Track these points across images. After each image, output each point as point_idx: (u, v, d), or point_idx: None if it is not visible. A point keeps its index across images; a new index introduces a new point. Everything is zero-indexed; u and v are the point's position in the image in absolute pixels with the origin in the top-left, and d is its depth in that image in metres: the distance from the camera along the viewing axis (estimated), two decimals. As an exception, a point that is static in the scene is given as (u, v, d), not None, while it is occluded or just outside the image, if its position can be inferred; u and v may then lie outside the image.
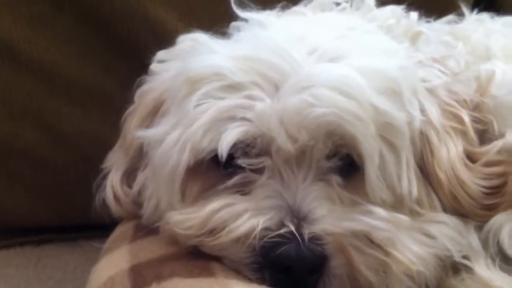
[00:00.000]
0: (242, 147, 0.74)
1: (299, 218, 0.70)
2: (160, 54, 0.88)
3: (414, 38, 0.88)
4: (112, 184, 0.86)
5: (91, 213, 0.86)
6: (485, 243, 0.75)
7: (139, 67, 0.92)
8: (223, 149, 0.72)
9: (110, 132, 0.94)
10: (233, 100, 0.74)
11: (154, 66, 0.88)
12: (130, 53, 1.07)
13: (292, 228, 0.69)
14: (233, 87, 0.74)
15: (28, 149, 1.08)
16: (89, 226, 1.04)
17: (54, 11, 1.05)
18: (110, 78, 1.09)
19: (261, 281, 0.69)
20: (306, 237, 0.69)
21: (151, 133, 0.80)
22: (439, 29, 0.94)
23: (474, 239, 0.75)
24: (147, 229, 0.79)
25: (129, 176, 0.87)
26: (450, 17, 0.98)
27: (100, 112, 1.08)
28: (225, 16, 0.87)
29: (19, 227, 1.14)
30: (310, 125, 0.72)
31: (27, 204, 1.11)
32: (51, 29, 1.06)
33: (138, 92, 0.88)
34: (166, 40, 0.92)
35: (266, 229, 0.69)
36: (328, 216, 0.71)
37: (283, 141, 0.72)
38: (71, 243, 1.11)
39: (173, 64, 0.85)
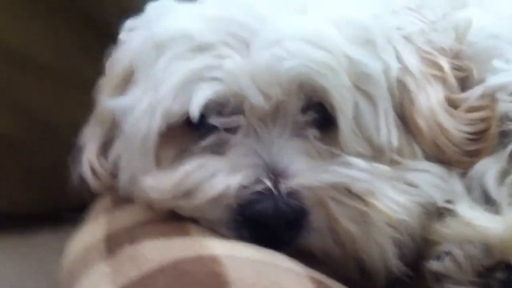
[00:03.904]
0: (215, 107, 0.72)
1: (276, 174, 0.68)
2: (128, 23, 0.86)
3: (388, -11, 0.86)
4: (89, 158, 0.85)
5: (70, 198, 0.84)
6: (469, 189, 0.73)
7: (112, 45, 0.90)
8: (195, 110, 0.71)
9: (87, 114, 0.92)
10: (202, 61, 0.72)
11: (122, 35, 0.86)
12: (103, 33, 1.05)
13: (269, 184, 0.67)
14: (201, 48, 0.73)
15: (3, 135, 1.07)
16: (72, 211, 1.01)
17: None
18: (84, 59, 1.07)
19: (239, 239, 0.68)
20: (283, 192, 0.67)
21: (122, 101, 0.79)
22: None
23: (457, 184, 0.73)
24: (124, 200, 0.78)
25: (106, 148, 0.85)
26: (426, -31, 0.96)
27: (76, 95, 1.06)
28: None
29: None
30: (281, 79, 0.70)
31: (5, 192, 1.09)
32: (22, 12, 1.04)
33: (108, 63, 0.86)
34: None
35: (242, 187, 0.68)
36: (306, 170, 0.69)
37: (255, 98, 0.70)
38: (54, 229, 1.08)
39: (141, 31, 0.83)
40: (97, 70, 0.89)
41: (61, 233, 0.95)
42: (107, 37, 0.96)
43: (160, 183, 0.71)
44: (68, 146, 0.89)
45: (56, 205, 1.07)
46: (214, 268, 0.56)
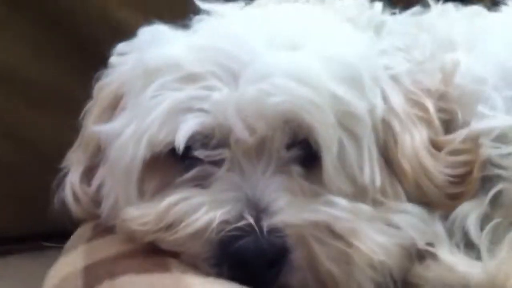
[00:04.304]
0: (200, 139, 0.72)
1: (259, 210, 0.68)
2: (120, 47, 0.86)
3: (378, 29, 0.87)
4: (72, 183, 0.84)
5: (55, 220, 0.83)
6: (450, 232, 0.74)
7: (101, 67, 0.90)
8: (180, 141, 0.71)
9: (73, 134, 0.91)
10: (189, 91, 0.72)
11: (113, 59, 0.86)
12: (90, 53, 1.05)
13: (251, 220, 0.67)
14: (190, 78, 0.73)
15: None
16: (56, 235, 1.00)
17: (10, 11, 1.03)
18: (71, 80, 1.07)
19: (219, 276, 0.67)
20: (265, 229, 0.67)
21: (108, 128, 0.78)
22: (404, 20, 0.93)
23: (438, 227, 0.73)
24: (105, 229, 0.77)
25: (89, 174, 0.84)
26: (415, 9, 0.97)
27: (62, 114, 1.05)
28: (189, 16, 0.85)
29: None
30: (267, 114, 0.70)
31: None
32: (8, 30, 1.04)
33: (97, 87, 0.86)
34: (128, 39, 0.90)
35: (224, 222, 0.67)
36: (289, 208, 0.69)
37: (241, 132, 0.70)
38: (37, 253, 1.07)
39: (131, 56, 0.83)
40: (84, 91, 0.89)
41: (42, 257, 0.95)
42: (97, 58, 0.96)
43: (143, 214, 0.71)
44: (53, 167, 0.88)
45: (39, 228, 1.06)
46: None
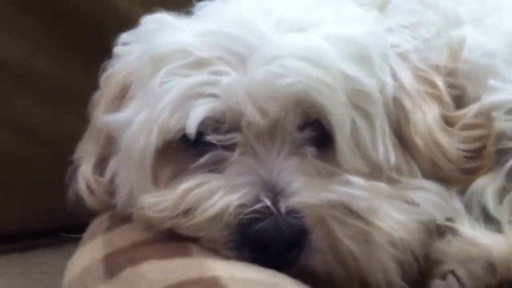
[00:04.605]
0: (212, 124, 0.72)
1: (275, 193, 0.68)
2: (124, 37, 0.86)
3: (382, 7, 0.87)
4: (84, 175, 0.83)
5: (72, 213, 0.83)
6: (468, 207, 0.74)
7: (106, 57, 0.89)
8: (191, 127, 0.70)
9: (87, 128, 0.90)
10: (198, 77, 0.72)
11: (118, 49, 0.85)
12: (100, 47, 1.04)
13: (268, 203, 0.67)
14: (198, 63, 0.72)
15: (4, 152, 1.05)
16: (74, 228, 1.00)
17: (19, 10, 1.03)
18: (81, 74, 1.06)
19: (240, 259, 0.67)
20: (283, 211, 0.66)
21: (118, 117, 0.78)
22: (408, -3, 0.93)
23: (456, 202, 0.73)
24: (122, 218, 0.77)
25: (101, 165, 0.84)
26: (419, -14, 0.96)
27: (75, 108, 1.04)
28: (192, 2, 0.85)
29: (1, 234, 1.10)
30: (278, 96, 0.70)
31: (7, 209, 1.07)
32: (18, 28, 1.04)
33: (103, 77, 0.85)
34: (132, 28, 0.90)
35: (241, 205, 0.67)
36: (305, 189, 0.69)
37: (252, 115, 0.70)
38: (56, 247, 1.06)
39: (137, 45, 0.82)
40: (95, 84, 0.88)
41: (62, 251, 0.95)
42: (106, 52, 0.96)
43: (160, 201, 0.70)
44: (69, 161, 0.87)
45: (57, 222, 1.05)
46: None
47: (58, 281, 0.73)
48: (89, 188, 0.82)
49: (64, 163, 0.85)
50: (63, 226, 0.95)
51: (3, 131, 1.05)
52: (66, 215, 0.85)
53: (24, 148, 1.06)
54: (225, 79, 0.71)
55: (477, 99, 0.79)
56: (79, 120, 0.88)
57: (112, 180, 0.81)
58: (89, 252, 0.71)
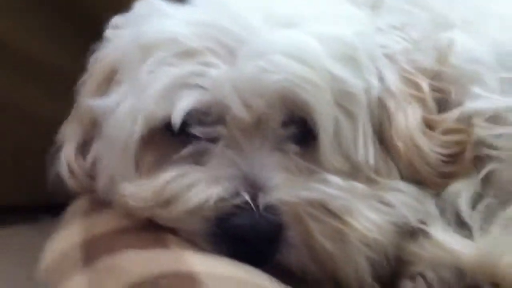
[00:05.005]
0: (197, 115, 0.72)
1: (255, 188, 0.69)
2: (115, 20, 0.85)
3: (375, 6, 0.87)
4: (66, 156, 0.84)
5: (50, 192, 0.83)
6: (442, 210, 0.75)
7: (97, 40, 0.88)
8: (177, 118, 0.71)
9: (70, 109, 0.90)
10: (187, 67, 0.72)
11: (108, 32, 0.85)
12: (86, 27, 1.04)
13: (247, 197, 0.68)
14: (188, 54, 0.72)
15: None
16: (48, 206, 1.00)
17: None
18: (65, 53, 1.06)
19: (217, 252, 0.68)
20: (261, 206, 0.67)
21: (104, 102, 0.78)
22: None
23: (431, 205, 0.75)
24: (101, 203, 0.77)
25: (84, 147, 0.84)
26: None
27: (63, 90, 1.05)
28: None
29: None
30: (265, 92, 0.70)
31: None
32: (14, 11, 1.04)
33: (91, 60, 0.85)
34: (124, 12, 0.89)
35: (220, 199, 0.68)
36: (284, 185, 0.70)
37: (238, 109, 0.70)
38: (28, 223, 1.07)
39: (127, 30, 0.82)
40: (81, 64, 0.88)
41: (37, 229, 0.95)
42: (92, 31, 0.95)
43: (140, 190, 0.71)
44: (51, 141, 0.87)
45: (35, 199, 1.06)
46: (194, 286, 0.57)
47: (34, 255, 0.73)
48: (70, 169, 0.83)
49: (46, 141, 0.85)
50: (40, 204, 0.96)
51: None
52: (43, 194, 0.84)
53: (5, 122, 1.06)
54: (213, 71, 0.71)
55: (459, 104, 0.79)
56: (63, 100, 0.88)
57: (93, 164, 0.81)
58: (68, 236, 0.72)
